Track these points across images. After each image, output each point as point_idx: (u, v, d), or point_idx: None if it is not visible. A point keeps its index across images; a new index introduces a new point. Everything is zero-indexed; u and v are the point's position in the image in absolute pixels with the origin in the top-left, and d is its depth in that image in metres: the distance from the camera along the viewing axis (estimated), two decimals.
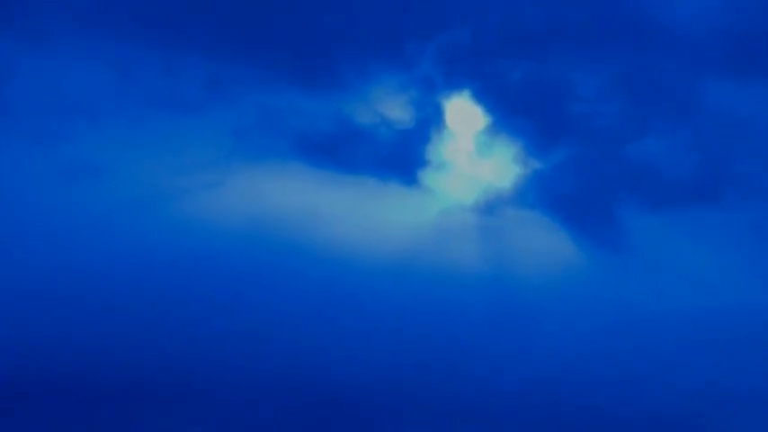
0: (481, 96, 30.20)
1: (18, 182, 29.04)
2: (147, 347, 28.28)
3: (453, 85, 30.25)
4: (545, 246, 30.16)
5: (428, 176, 30.18)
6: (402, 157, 30.05)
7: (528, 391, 28.72)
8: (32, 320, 28.21)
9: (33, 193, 29.02)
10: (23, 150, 29.05)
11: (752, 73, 30.24)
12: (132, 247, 28.94)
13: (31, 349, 27.92)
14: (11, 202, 28.90)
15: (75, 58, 29.43)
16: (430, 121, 30.20)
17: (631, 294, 29.66)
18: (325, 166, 29.88)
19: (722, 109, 30.26)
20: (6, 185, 28.96)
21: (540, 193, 30.15)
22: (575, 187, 30.13)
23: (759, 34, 30.29)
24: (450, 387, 28.79)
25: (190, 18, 29.59)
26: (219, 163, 29.64)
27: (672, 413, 28.39)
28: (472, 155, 30.38)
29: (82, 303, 28.42)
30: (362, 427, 28.39)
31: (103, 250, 28.84)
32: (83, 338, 28.27)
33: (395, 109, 30.24)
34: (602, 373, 28.87)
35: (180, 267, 28.90)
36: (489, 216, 30.13)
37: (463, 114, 30.39)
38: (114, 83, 29.58)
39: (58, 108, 29.34)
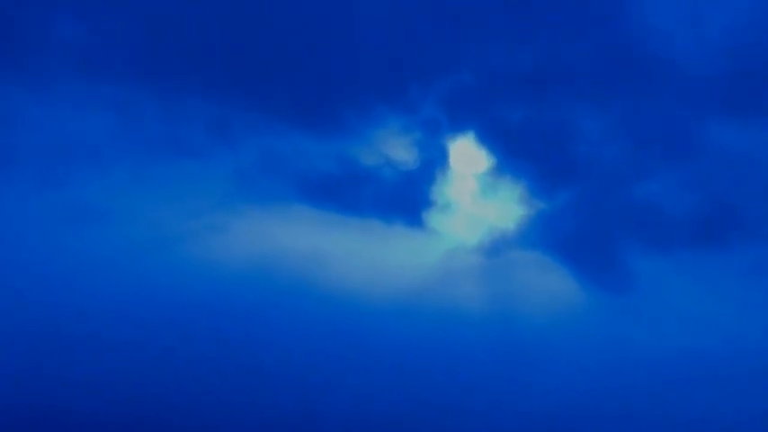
0: (485, 138, 30.38)
1: (23, 226, 29.06)
2: (153, 388, 28.34)
3: (457, 126, 30.42)
4: (548, 286, 30.26)
5: (432, 218, 30.30)
6: (406, 199, 30.15)
7: (530, 429, 28.85)
8: (38, 362, 28.27)
9: (38, 238, 29.06)
10: (28, 195, 29.08)
11: (754, 113, 30.33)
12: (137, 290, 28.96)
13: (36, 390, 28.02)
14: (16, 247, 28.92)
15: (78, 103, 29.49)
16: (434, 162, 30.35)
17: (633, 334, 29.78)
18: (330, 209, 29.99)
19: (725, 150, 30.40)
20: (12, 230, 28.99)
21: (544, 234, 30.30)
22: (578, 228, 30.25)
23: (761, 75, 30.40)
24: (454, 424, 28.92)
25: (192, 63, 29.63)
26: (223, 206, 29.74)
27: None
28: (476, 196, 30.52)
29: (87, 345, 28.48)
30: None
31: (108, 293, 28.86)
32: (88, 380, 28.33)
33: (399, 151, 30.36)
34: (603, 412, 28.99)
35: (185, 310, 28.94)
36: (493, 257, 30.24)
37: (467, 156, 30.52)
38: (117, 128, 29.66)
39: (62, 153, 29.41)
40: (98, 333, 28.42)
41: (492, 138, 30.32)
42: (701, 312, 29.83)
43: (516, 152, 30.32)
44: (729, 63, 30.45)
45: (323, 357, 28.98)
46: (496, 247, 30.20)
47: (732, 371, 29.21)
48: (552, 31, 30.19)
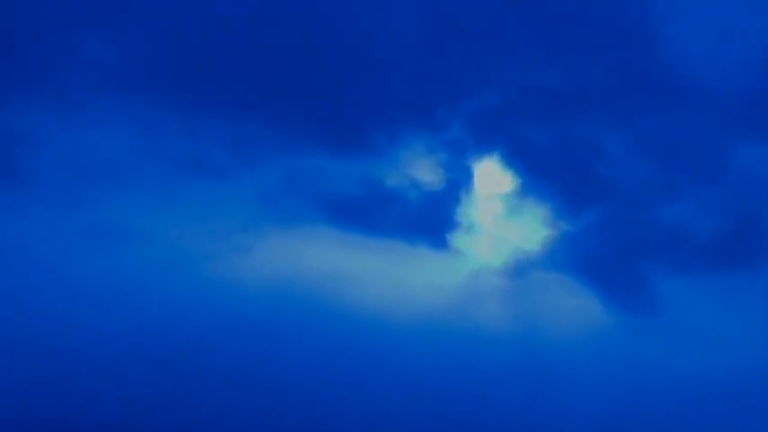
0: (510, 159, 30.29)
1: (47, 246, 28.94)
2: (177, 408, 28.21)
3: (482, 147, 30.32)
4: (572, 308, 30.12)
5: (457, 239, 30.18)
6: (431, 220, 30.02)
7: None
8: (63, 382, 28.18)
9: (62, 258, 28.91)
10: (52, 215, 28.93)
11: None
12: (160, 310, 28.83)
13: (60, 410, 27.90)
14: (41, 267, 28.80)
15: (101, 122, 29.38)
16: (458, 183, 30.24)
17: (658, 356, 29.65)
18: (354, 230, 29.87)
19: (751, 171, 30.31)
20: (36, 251, 28.87)
21: (568, 256, 30.17)
22: (602, 250, 30.12)
23: None
24: None
25: (216, 82, 29.53)
26: (247, 227, 29.61)
27: None
28: (500, 217, 30.39)
29: (111, 365, 28.38)
30: None
31: (132, 314, 28.75)
32: (112, 399, 28.26)
33: (424, 172, 30.25)
34: None
35: (208, 330, 28.82)
36: (517, 278, 30.12)
37: (492, 177, 30.43)
38: (141, 148, 29.58)
39: (86, 173, 29.31)
40: (122, 353, 28.29)
41: (517, 159, 30.28)
42: (726, 334, 29.71)
43: (541, 173, 30.26)
44: (756, 84, 30.40)
45: (347, 378, 28.86)
46: (521, 269, 30.08)
47: (757, 393, 29.11)
48: (578, 52, 30.12)
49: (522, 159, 30.23)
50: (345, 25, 29.73)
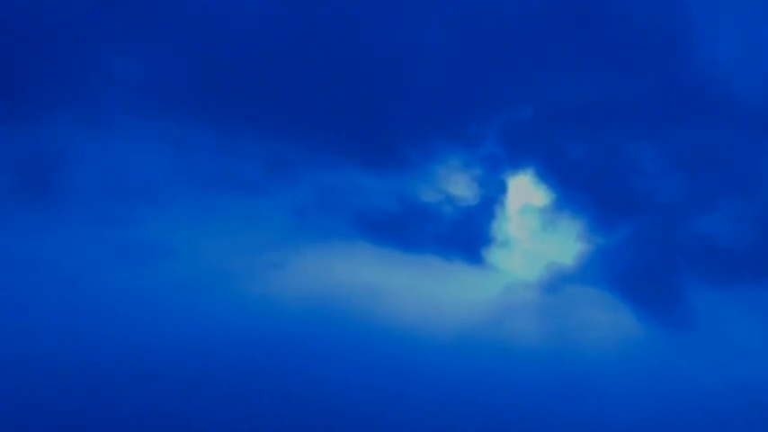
0: (544, 174, 30.27)
1: (83, 264, 28.91)
2: (214, 424, 28.19)
3: (517, 162, 30.34)
4: (607, 322, 30.06)
5: (491, 254, 30.16)
6: (465, 235, 29.98)
7: None
8: (99, 398, 28.14)
9: (97, 275, 28.87)
10: (88, 232, 28.91)
11: None
12: (196, 326, 28.81)
13: (96, 425, 27.86)
14: (76, 285, 28.73)
15: (136, 140, 29.37)
16: (493, 198, 30.23)
17: (693, 369, 29.61)
18: (389, 245, 29.83)
19: None
20: (72, 268, 28.81)
21: (603, 270, 30.11)
22: (637, 264, 30.09)
23: None
24: None
25: (250, 99, 29.45)
26: (283, 243, 29.59)
27: None
28: (535, 232, 30.39)
29: (148, 382, 28.35)
30: None
31: (168, 330, 28.71)
32: (148, 416, 28.20)
33: (458, 187, 30.22)
34: None
35: (245, 346, 28.78)
36: (552, 293, 30.09)
37: (526, 192, 30.39)
38: (176, 164, 29.59)
39: (121, 190, 29.31)
40: (156, 370, 28.27)
41: (551, 173, 30.25)
42: (761, 347, 29.67)
43: (575, 187, 30.22)
44: None
45: (383, 393, 28.82)
46: (555, 283, 30.05)
47: None
48: (611, 66, 30.06)
49: (556, 174, 30.27)
50: (379, 41, 29.66)
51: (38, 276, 28.41)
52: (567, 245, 30.29)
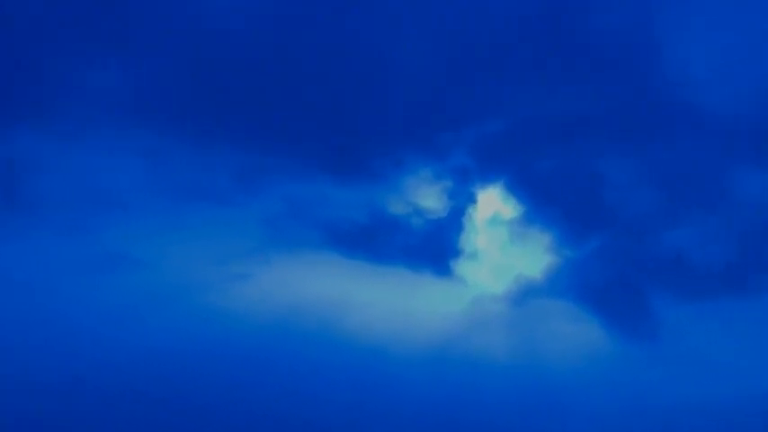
0: (514, 186, 30.32)
1: (51, 274, 28.83)
2: None
3: (486, 175, 30.38)
4: (575, 334, 30.09)
5: (460, 266, 30.17)
6: (434, 247, 30.00)
7: None
8: (60, 410, 28.03)
9: (63, 286, 28.81)
10: (56, 243, 28.84)
11: None
12: (163, 338, 28.70)
13: None
14: (44, 294, 28.68)
15: (106, 150, 29.34)
16: (462, 210, 30.26)
17: (660, 383, 29.62)
18: (357, 257, 29.82)
19: (753, 199, 30.34)
20: (39, 278, 28.76)
21: (571, 283, 30.18)
22: (605, 277, 30.13)
23: None
24: None
25: (220, 110, 29.47)
26: (252, 254, 29.58)
27: None
28: (504, 244, 30.42)
29: (112, 394, 28.25)
30: None
31: (134, 341, 28.60)
32: (110, 427, 28.15)
33: (428, 199, 30.25)
34: None
35: (210, 359, 28.69)
36: (520, 305, 30.13)
37: (496, 204, 30.45)
38: (145, 175, 29.55)
39: (90, 200, 29.27)
40: (125, 380, 28.19)
41: (521, 186, 30.31)
42: (728, 361, 29.69)
43: (544, 201, 30.27)
44: (758, 112, 30.42)
45: (349, 406, 28.76)
46: (523, 296, 30.08)
47: (759, 420, 29.12)
48: (581, 80, 30.13)
49: (525, 186, 30.32)
50: (349, 54, 29.71)
51: (2, 285, 28.42)
52: (535, 257, 30.35)
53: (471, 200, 30.26)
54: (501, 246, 30.36)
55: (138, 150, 29.36)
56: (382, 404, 28.95)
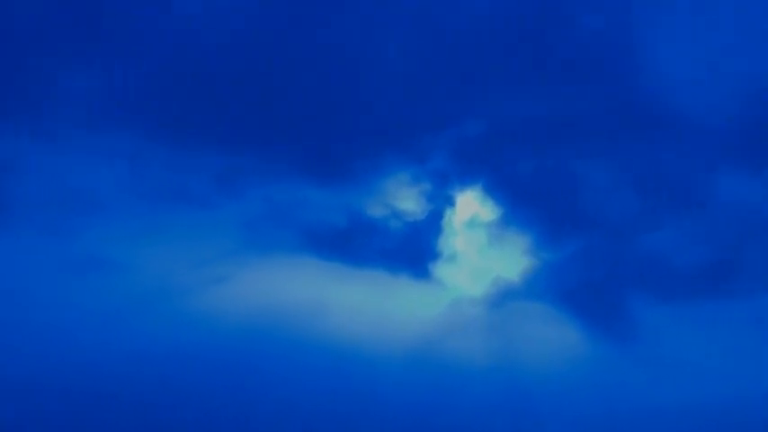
0: (492, 189, 30.29)
1: (26, 277, 28.85)
2: None
3: (465, 177, 30.35)
4: (554, 337, 30.09)
5: (438, 269, 30.18)
6: (412, 250, 30.00)
7: None
8: (36, 415, 28.07)
9: (41, 288, 28.84)
10: (32, 245, 28.85)
11: (764, 165, 30.30)
12: (141, 342, 28.71)
13: None
14: (20, 297, 28.70)
15: (83, 153, 29.30)
16: (440, 213, 30.24)
17: (639, 386, 29.60)
18: (336, 259, 29.83)
19: (733, 201, 30.33)
20: (15, 280, 28.80)
21: (550, 286, 30.16)
22: (584, 279, 30.10)
23: None
24: None
25: (199, 113, 29.46)
26: (230, 256, 29.58)
27: None
28: (482, 247, 30.41)
29: (89, 399, 28.24)
30: None
31: (112, 345, 28.61)
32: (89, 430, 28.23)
33: (406, 201, 30.25)
34: None
35: (186, 362, 28.70)
36: (499, 308, 30.12)
37: (474, 207, 30.43)
38: (123, 177, 29.50)
39: (67, 203, 29.21)
40: (101, 386, 28.18)
41: (499, 188, 30.26)
42: (707, 364, 29.66)
43: (523, 203, 30.26)
44: (738, 114, 30.40)
45: (327, 410, 28.75)
46: (502, 299, 30.08)
47: (738, 422, 29.11)
48: (561, 82, 30.13)
49: (503, 189, 30.27)
50: (327, 56, 29.73)
51: None
52: (514, 260, 30.33)
53: (449, 202, 30.30)
54: (479, 248, 30.39)
55: (116, 152, 29.33)
56: (360, 407, 28.93)
